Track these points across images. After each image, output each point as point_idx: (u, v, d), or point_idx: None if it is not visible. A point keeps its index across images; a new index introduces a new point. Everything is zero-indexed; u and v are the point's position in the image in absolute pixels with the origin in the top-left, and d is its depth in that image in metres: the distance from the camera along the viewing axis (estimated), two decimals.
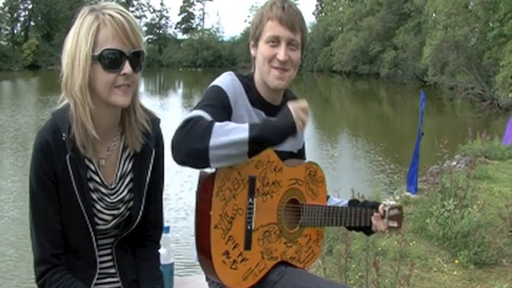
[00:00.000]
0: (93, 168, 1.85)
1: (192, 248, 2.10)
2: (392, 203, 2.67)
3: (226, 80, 2.19)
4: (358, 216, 2.42)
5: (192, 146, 1.87)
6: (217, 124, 1.90)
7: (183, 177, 10.62)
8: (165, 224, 2.23)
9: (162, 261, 2.14)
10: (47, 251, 1.81)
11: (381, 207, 2.44)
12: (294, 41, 2.20)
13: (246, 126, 1.92)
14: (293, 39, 2.19)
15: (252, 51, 2.29)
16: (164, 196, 2.06)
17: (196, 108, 2.04)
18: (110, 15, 1.71)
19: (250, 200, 2.09)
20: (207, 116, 1.96)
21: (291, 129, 1.97)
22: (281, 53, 2.17)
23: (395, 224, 2.49)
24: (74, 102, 1.76)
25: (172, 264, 2.38)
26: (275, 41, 2.18)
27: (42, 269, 1.82)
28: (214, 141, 1.86)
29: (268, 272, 2.18)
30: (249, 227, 2.10)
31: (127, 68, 1.74)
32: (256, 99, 2.26)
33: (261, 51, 2.21)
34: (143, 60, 1.82)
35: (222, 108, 2.09)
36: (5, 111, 23.02)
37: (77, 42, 1.72)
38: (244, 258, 2.10)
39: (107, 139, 1.88)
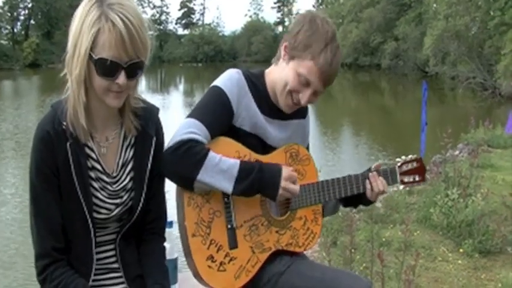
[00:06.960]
0: (94, 156, 1.83)
1: None
2: (410, 156, 2.51)
3: (231, 81, 2.14)
4: (353, 182, 2.31)
5: (181, 172, 1.95)
6: (209, 161, 1.95)
7: None
8: (169, 219, 2.23)
9: (166, 256, 2.13)
10: (48, 244, 1.77)
11: (374, 165, 2.37)
12: (321, 92, 2.17)
13: (235, 175, 1.98)
14: (322, 91, 2.17)
15: (283, 53, 2.18)
16: (167, 189, 2.05)
17: (195, 115, 2.04)
18: (112, 21, 1.63)
19: (226, 199, 2.07)
20: (203, 137, 1.98)
21: (272, 198, 2.08)
22: (305, 97, 2.14)
23: (416, 178, 2.43)
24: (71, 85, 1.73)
25: (176, 259, 2.37)
26: (305, 82, 2.12)
27: (43, 263, 1.78)
28: (202, 176, 1.94)
29: (264, 264, 2.16)
30: (229, 226, 2.08)
31: (121, 78, 1.68)
32: (262, 100, 2.21)
33: (288, 75, 2.14)
34: (143, 68, 1.75)
35: (221, 115, 2.08)
36: (8, 112, 23.02)
37: (81, 31, 1.65)
38: (232, 258, 2.08)
39: (106, 128, 1.85)
